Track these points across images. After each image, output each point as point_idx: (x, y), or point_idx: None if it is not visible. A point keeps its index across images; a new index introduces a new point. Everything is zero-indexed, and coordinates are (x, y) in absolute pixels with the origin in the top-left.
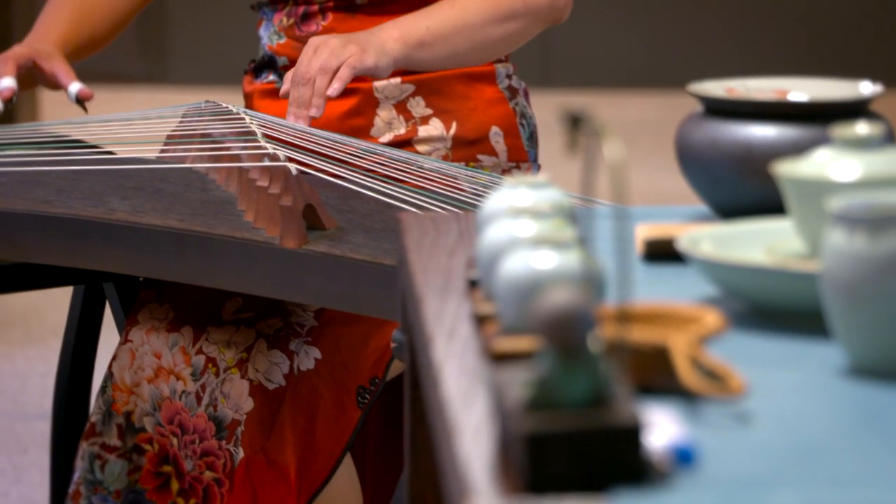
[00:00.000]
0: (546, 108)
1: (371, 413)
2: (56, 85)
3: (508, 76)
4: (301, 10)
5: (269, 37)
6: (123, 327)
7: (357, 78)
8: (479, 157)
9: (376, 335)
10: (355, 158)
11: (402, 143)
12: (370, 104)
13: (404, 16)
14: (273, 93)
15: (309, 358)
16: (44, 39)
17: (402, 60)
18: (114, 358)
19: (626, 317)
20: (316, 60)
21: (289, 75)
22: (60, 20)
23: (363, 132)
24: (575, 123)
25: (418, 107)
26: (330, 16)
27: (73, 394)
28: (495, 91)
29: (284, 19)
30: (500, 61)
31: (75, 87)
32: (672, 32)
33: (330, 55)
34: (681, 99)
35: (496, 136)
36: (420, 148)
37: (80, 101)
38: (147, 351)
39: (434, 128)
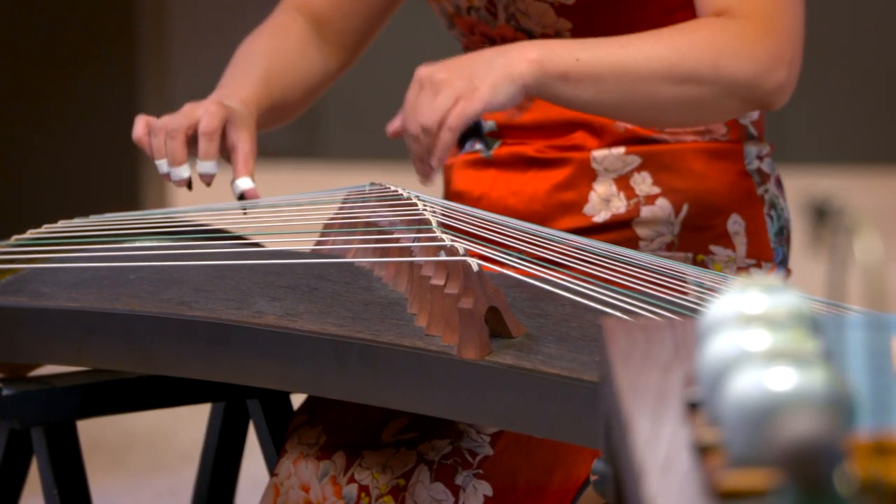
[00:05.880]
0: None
1: None
2: (228, 159)
3: (760, 157)
4: None
5: None
6: (272, 453)
7: (571, 147)
8: (712, 248)
9: (560, 470)
10: (548, 252)
11: (621, 224)
12: (585, 177)
13: (556, 40)
14: (478, 163)
15: (477, 495)
16: (234, 97)
17: (534, 89)
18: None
19: (883, 449)
20: (418, 113)
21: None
22: (252, 78)
23: (575, 209)
24: (821, 216)
25: (643, 183)
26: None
27: None
28: (741, 172)
29: None
30: (752, 139)
31: (245, 183)
32: None
33: (431, 108)
34: None
35: (735, 226)
36: (640, 231)
37: (243, 198)
38: (294, 484)
39: (661, 209)
